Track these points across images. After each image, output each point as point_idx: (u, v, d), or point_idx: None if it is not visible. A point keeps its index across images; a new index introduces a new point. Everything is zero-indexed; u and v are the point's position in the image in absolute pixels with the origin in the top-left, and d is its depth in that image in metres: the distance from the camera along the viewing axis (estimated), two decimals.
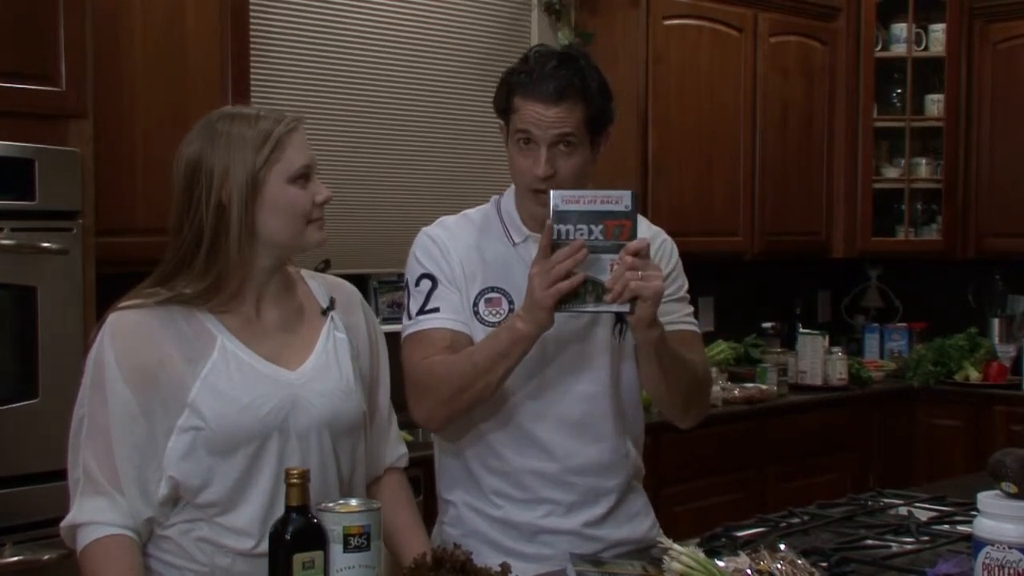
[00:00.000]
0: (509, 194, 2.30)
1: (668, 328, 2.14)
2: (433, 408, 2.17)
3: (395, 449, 2.14)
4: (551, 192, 2.00)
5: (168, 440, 1.86)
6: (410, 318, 2.23)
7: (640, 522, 2.34)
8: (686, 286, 2.35)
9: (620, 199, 1.97)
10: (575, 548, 2.20)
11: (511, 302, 2.20)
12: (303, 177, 1.92)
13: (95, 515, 1.85)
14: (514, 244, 2.25)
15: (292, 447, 1.91)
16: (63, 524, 1.89)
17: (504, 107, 2.18)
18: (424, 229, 2.30)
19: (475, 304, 2.22)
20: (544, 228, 2.01)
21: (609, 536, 2.27)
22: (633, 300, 1.97)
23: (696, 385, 2.26)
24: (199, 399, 1.86)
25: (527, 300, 2.03)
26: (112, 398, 1.85)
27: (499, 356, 2.09)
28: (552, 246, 1.99)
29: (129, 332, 1.87)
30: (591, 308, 2.00)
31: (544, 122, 2.11)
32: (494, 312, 2.21)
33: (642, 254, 1.97)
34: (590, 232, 1.97)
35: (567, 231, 1.97)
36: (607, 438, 2.26)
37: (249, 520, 1.88)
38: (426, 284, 2.22)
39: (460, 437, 2.26)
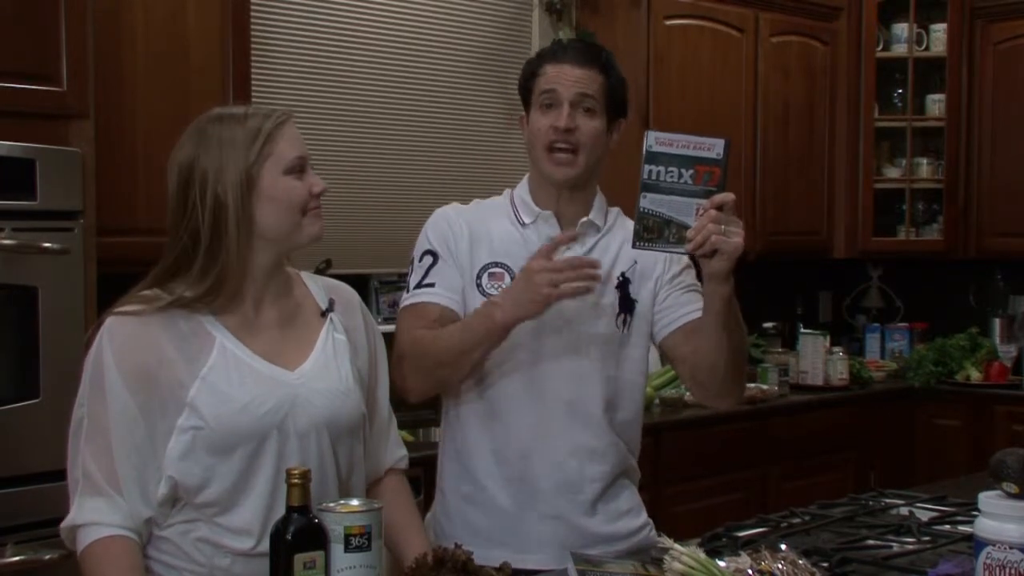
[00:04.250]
0: (522, 183, 2.36)
1: (694, 318, 2.23)
2: (415, 378, 2.24)
3: (395, 451, 2.15)
4: (647, 132, 2.05)
5: (168, 440, 1.86)
6: (408, 291, 2.31)
7: (630, 520, 2.34)
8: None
9: (713, 147, 2.03)
10: (560, 538, 2.23)
11: (513, 278, 2.25)
12: (298, 169, 1.93)
13: (95, 516, 1.85)
14: (523, 225, 2.31)
15: (291, 447, 1.91)
16: (63, 525, 1.89)
17: (531, 73, 2.29)
18: (438, 209, 2.37)
19: (478, 277, 2.27)
20: (554, 239, 2.11)
21: (595, 529, 2.27)
22: (712, 252, 2.01)
23: (745, 357, 2.32)
24: (198, 399, 1.86)
25: (517, 289, 2.09)
26: (111, 400, 1.86)
27: (474, 343, 2.17)
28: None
29: (128, 334, 1.87)
30: (667, 248, 2.06)
31: (568, 80, 2.23)
32: (496, 286, 2.26)
33: (726, 208, 2.01)
34: (679, 175, 2.02)
35: (657, 172, 2.02)
36: (595, 423, 2.27)
37: (248, 520, 1.88)
38: (428, 259, 2.30)
39: (457, 413, 2.30)
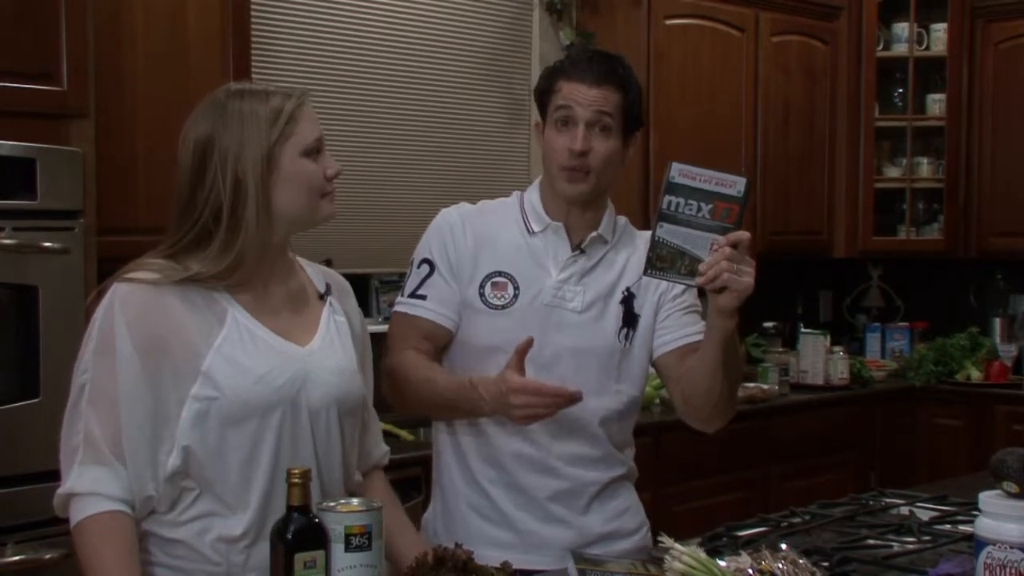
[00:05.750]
0: (533, 187, 2.36)
1: (692, 340, 2.25)
2: (394, 399, 2.28)
3: (379, 446, 2.16)
4: (671, 163, 2.06)
5: (181, 409, 1.84)
6: (402, 295, 2.32)
7: (627, 520, 2.34)
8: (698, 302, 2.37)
9: (734, 184, 2.05)
10: (557, 538, 2.23)
11: (516, 287, 2.26)
12: (315, 151, 1.93)
13: (95, 486, 1.82)
14: (531, 233, 2.30)
15: (303, 422, 1.91)
16: (59, 492, 1.85)
17: (546, 88, 2.27)
18: (444, 210, 2.36)
19: (481, 286, 2.27)
20: (515, 351, 2.09)
21: (592, 529, 2.28)
22: (721, 289, 2.03)
23: (738, 388, 2.33)
24: (214, 368, 1.84)
25: (497, 400, 2.10)
26: (122, 368, 1.83)
27: (455, 410, 2.23)
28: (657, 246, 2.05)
29: (142, 302, 1.85)
30: (678, 279, 2.09)
31: (585, 100, 2.21)
32: (499, 296, 2.26)
33: (740, 246, 2.03)
34: (699, 209, 2.04)
35: (677, 203, 2.04)
36: (593, 435, 2.28)
37: (262, 495, 1.87)
38: (425, 268, 2.30)
39: (456, 420, 2.30)
